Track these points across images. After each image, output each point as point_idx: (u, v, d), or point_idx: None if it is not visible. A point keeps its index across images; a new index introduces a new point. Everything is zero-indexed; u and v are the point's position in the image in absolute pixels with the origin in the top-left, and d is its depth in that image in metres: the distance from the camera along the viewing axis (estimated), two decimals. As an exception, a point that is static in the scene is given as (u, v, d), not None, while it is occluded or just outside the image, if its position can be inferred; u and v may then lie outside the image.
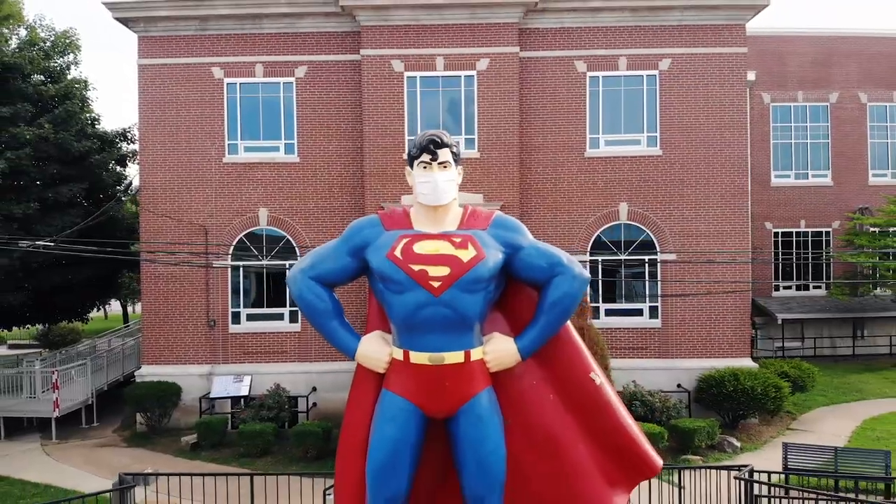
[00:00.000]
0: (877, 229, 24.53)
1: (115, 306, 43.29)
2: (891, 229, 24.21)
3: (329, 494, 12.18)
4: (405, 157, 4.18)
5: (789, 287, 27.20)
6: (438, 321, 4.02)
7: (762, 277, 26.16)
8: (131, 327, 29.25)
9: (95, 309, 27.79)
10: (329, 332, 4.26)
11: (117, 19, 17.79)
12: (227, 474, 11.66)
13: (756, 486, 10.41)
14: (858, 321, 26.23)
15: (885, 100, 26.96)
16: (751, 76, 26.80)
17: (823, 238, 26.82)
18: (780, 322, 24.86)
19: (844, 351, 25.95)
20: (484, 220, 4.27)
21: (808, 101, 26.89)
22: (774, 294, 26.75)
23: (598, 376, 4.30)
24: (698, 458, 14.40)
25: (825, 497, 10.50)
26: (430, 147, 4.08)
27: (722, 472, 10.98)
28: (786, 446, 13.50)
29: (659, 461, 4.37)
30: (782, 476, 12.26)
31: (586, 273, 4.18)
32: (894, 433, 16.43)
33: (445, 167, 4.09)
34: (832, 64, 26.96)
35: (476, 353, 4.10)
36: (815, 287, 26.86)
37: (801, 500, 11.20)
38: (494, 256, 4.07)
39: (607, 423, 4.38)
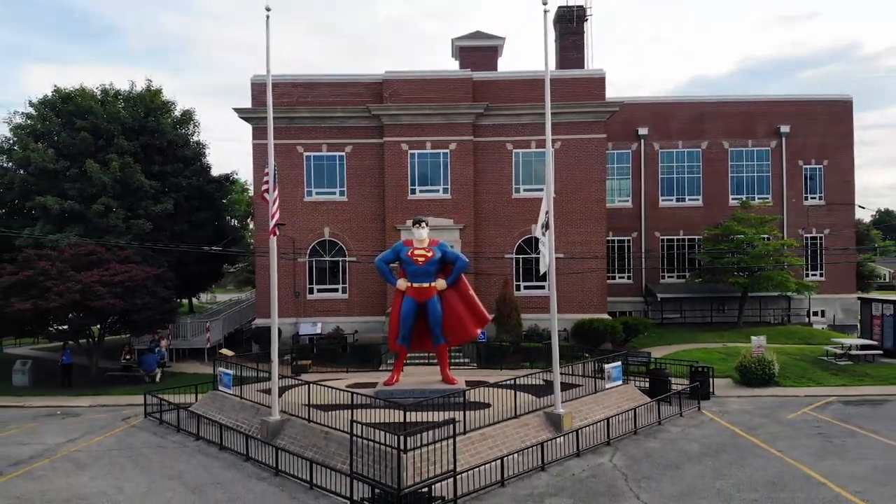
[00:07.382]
0: (736, 236, 34.79)
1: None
2: (730, 236, 35.27)
3: (385, 353, 24.61)
4: (410, 220, 17.66)
5: (672, 276, 38.51)
6: (422, 274, 17.67)
7: (653, 269, 37.88)
8: (219, 306, 41.50)
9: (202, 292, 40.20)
10: (387, 279, 18.18)
11: (241, 118, 30.15)
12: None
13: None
14: (720, 300, 37.33)
15: (741, 146, 37.78)
16: (644, 131, 38.56)
17: (696, 243, 37.84)
18: (659, 300, 36.68)
19: (708, 321, 37.26)
20: (436, 243, 18.07)
21: (686, 148, 37.72)
22: (661, 281, 37.80)
23: (471, 290, 17.87)
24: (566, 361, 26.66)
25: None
26: (419, 221, 17.85)
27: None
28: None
29: (488, 317, 17.99)
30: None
31: (467, 260, 18.20)
32: (684, 356, 27.95)
33: (424, 227, 17.80)
34: (703, 121, 37.55)
35: (433, 284, 17.53)
36: (690, 276, 37.63)
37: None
38: (439, 255, 17.72)
39: (471, 305, 17.97)
